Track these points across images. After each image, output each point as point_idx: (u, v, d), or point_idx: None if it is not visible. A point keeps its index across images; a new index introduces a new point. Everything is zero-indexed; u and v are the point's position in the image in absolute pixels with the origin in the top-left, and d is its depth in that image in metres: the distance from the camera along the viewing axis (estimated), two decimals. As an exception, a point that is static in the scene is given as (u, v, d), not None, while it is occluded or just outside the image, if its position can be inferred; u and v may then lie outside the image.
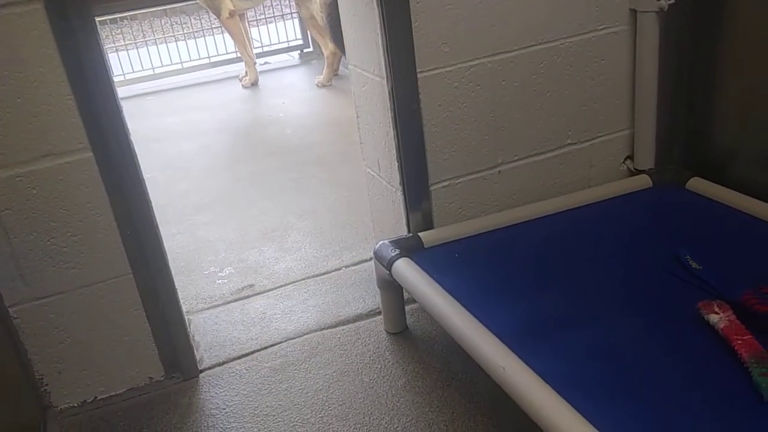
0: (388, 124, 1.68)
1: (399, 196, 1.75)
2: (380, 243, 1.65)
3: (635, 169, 1.95)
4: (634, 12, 1.79)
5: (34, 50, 1.30)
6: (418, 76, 1.63)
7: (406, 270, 1.55)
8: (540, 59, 1.75)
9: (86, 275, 1.50)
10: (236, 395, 1.59)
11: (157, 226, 1.55)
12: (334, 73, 4.22)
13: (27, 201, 1.39)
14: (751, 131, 1.75)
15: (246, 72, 4.40)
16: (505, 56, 1.70)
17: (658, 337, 1.30)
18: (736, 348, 1.22)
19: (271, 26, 5.34)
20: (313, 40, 5.13)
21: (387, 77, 1.62)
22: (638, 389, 1.17)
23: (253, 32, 5.35)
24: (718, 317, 1.30)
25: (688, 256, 1.50)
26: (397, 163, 1.70)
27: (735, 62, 1.73)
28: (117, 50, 4.89)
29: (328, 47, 4.09)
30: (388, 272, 1.59)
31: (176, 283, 1.63)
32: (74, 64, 1.34)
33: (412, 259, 1.58)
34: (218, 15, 4.21)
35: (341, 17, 1.78)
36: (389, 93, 1.63)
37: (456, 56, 1.65)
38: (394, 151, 1.70)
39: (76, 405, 1.59)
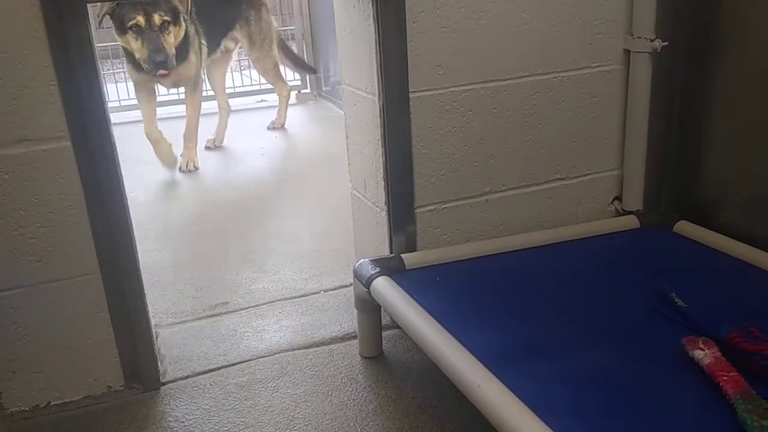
0: (377, 142, 1.66)
1: (383, 217, 1.72)
2: (360, 261, 1.61)
3: (623, 209, 1.93)
4: (627, 52, 1.80)
5: (21, 32, 1.28)
6: (410, 95, 1.62)
7: (386, 288, 1.50)
8: (533, 90, 1.75)
9: (52, 270, 1.43)
10: (197, 409, 1.51)
11: (131, 227, 1.50)
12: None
13: (-2, 186, 1.35)
14: (738, 176, 1.74)
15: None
16: (498, 84, 1.70)
17: (639, 369, 1.25)
18: (721, 384, 1.17)
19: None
20: (311, 82, 5.21)
21: (379, 95, 1.61)
22: (616, 415, 1.12)
23: (253, 73, 5.42)
24: (704, 353, 1.25)
25: (674, 294, 1.47)
26: (383, 183, 1.68)
27: (725, 106, 1.74)
28: (116, 81, 4.93)
29: (286, 87, 4.19)
30: (366, 290, 1.54)
31: (148, 297, 1.57)
32: (61, 50, 1.31)
33: (392, 279, 1.53)
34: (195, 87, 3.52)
35: (338, 35, 1.78)
36: (380, 110, 1.61)
37: (449, 79, 1.65)
38: (381, 171, 1.68)
39: (27, 409, 1.50)
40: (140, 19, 2.98)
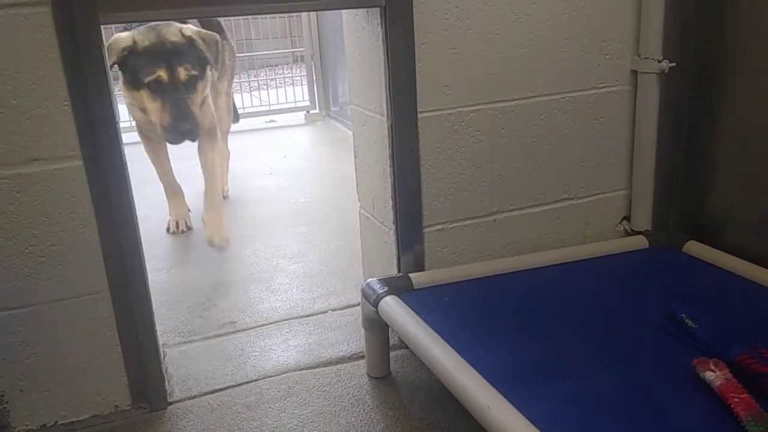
0: (385, 162, 1.67)
1: (392, 236, 1.72)
2: (369, 280, 1.61)
3: (632, 230, 1.93)
4: (635, 73, 1.81)
5: (35, 53, 1.30)
6: (419, 115, 1.63)
7: (394, 308, 1.50)
8: (540, 111, 1.75)
9: (62, 289, 1.44)
10: (204, 429, 1.50)
11: (140, 246, 1.50)
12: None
13: (9, 205, 1.36)
14: (747, 196, 1.73)
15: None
16: (505, 104, 1.71)
17: (650, 390, 1.24)
18: (732, 406, 1.16)
19: (281, 90, 5.58)
20: (319, 102, 5.24)
21: (387, 115, 1.62)
22: (629, 438, 1.10)
23: (263, 94, 5.48)
24: (714, 375, 1.24)
25: (684, 315, 1.46)
26: (391, 202, 1.68)
27: (733, 126, 1.74)
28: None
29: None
30: (374, 309, 1.54)
31: (156, 316, 1.58)
32: (75, 70, 1.33)
33: (400, 298, 1.53)
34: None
35: (347, 56, 1.80)
36: (389, 130, 1.62)
37: (457, 100, 1.66)
38: (389, 190, 1.68)
39: (35, 428, 1.50)
40: (162, 75, 2.31)
